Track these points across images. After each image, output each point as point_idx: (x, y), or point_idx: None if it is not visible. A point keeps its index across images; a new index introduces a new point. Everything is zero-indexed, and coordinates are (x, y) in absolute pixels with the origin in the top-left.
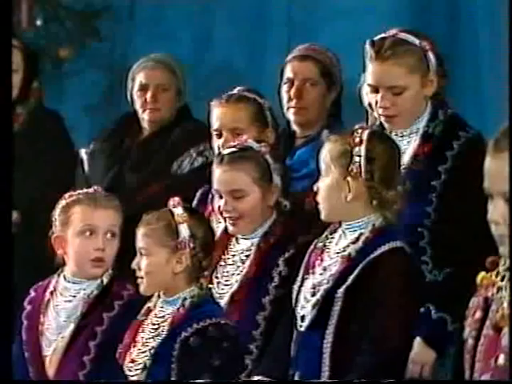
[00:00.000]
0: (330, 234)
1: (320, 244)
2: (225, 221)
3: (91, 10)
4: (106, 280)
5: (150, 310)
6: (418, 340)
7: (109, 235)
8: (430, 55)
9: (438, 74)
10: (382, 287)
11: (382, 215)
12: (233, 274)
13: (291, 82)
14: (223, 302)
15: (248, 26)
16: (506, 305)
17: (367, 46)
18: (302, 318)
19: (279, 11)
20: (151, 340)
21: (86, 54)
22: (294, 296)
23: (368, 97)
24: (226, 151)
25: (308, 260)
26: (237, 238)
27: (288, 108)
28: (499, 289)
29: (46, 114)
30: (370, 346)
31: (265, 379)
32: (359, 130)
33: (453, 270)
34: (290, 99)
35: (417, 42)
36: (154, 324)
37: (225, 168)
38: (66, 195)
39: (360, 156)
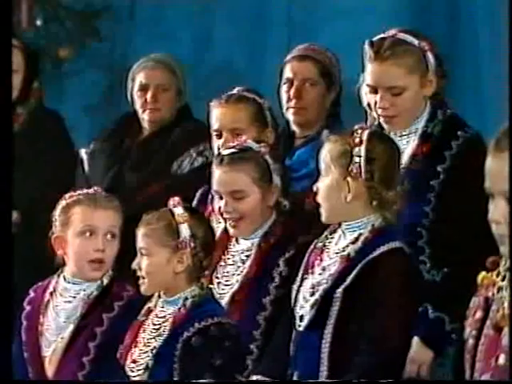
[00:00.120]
0: (330, 234)
1: (320, 244)
2: (225, 222)
3: (91, 9)
4: (105, 281)
5: (150, 311)
6: (415, 340)
7: (109, 236)
8: (429, 55)
9: (437, 74)
10: (380, 287)
11: (381, 215)
12: (233, 275)
13: (290, 82)
14: (224, 302)
15: (248, 26)
16: (506, 305)
17: (366, 47)
18: (301, 317)
19: (279, 11)
20: (152, 340)
21: (85, 54)
22: (293, 296)
23: (367, 97)
24: (225, 152)
25: (307, 260)
26: (237, 239)
27: (287, 108)
28: (500, 289)
29: (46, 114)
30: (368, 346)
31: (264, 379)
32: (359, 131)
33: (451, 270)
34: (289, 99)
35: (416, 42)
36: (155, 324)
37: (225, 169)
38: (67, 195)
39: (360, 156)
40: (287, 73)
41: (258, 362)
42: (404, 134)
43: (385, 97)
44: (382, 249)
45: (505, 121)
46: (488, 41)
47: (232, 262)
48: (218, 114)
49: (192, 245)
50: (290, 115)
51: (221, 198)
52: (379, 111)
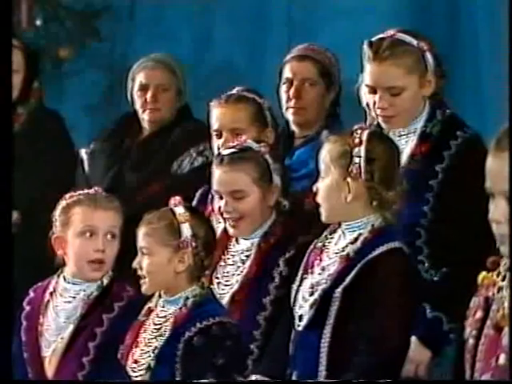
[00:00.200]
0: (330, 234)
1: (319, 244)
2: (225, 222)
3: (91, 9)
4: (105, 281)
5: (151, 310)
6: (413, 339)
7: (109, 236)
8: (428, 55)
9: (435, 74)
10: (379, 287)
11: (381, 215)
12: (233, 275)
13: (290, 82)
14: (224, 302)
15: (248, 26)
16: (506, 304)
17: (365, 47)
18: (300, 317)
19: (279, 11)
20: (154, 340)
21: (85, 54)
22: (292, 296)
23: (366, 97)
24: (225, 152)
25: (307, 260)
26: (236, 239)
27: (287, 108)
28: (500, 288)
29: (47, 114)
30: (367, 346)
31: (263, 378)
32: (358, 131)
33: (449, 270)
34: (288, 99)
35: (415, 42)
36: (156, 324)
37: (225, 169)
38: (67, 196)
39: (360, 157)
40: (287, 73)
41: (258, 362)
42: (403, 133)
43: (384, 97)
44: (382, 249)
45: (505, 121)
46: (488, 41)
47: (232, 262)
48: (217, 114)
49: (193, 244)
50: (289, 115)
51: (221, 197)
52: (378, 111)
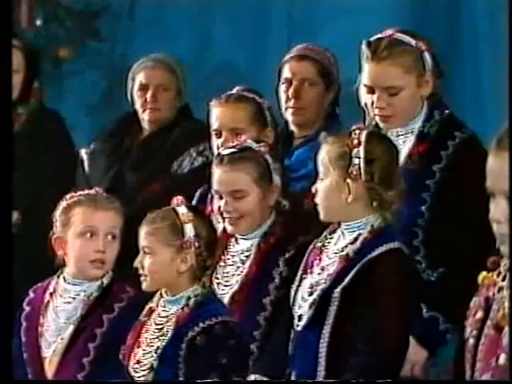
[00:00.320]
0: (329, 234)
1: (319, 244)
2: (224, 221)
3: (91, 9)
4: (106, 282)
5: (152, 310)
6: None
7: (109, 237)
8: (426, 56)
9: (434, 74)
10: (379, 288)
11: (381, 216)
12: (233, 275)
13: (289, 82)
14: (224, 302)
15: (248, 26)
16: (507, 304)
17: (363, 47)
18: (299, 317)
19: (279, 11)
20: (156, 340)
21: (85, 54)
22: (291, 295)
23: (364, 97)
24: (225, 152)
25: (306, 260)
26: (236, 239)
27: (286, 108)
28: (500, 288)
29: (47, 114)
30: (366, 346)
31: (262, 378)
32: (357, 131)
33: (446, 270)
34: (288, 99)
35: (413, 42)
36: (157, 324)
37: (225, 168)
38: (67, 196)
39: (359, 158)
40: (286, 73)
41: (258, 362)
42: (401, 133)
43: (382, 97)
44: (381, 249)
45: (505, 121)
46: (488, 41)
47: (232, 263)
48: (217, 114)
49: (196, 245)
50: (288, 115)
51: (221, 197)
52: (376, 111)
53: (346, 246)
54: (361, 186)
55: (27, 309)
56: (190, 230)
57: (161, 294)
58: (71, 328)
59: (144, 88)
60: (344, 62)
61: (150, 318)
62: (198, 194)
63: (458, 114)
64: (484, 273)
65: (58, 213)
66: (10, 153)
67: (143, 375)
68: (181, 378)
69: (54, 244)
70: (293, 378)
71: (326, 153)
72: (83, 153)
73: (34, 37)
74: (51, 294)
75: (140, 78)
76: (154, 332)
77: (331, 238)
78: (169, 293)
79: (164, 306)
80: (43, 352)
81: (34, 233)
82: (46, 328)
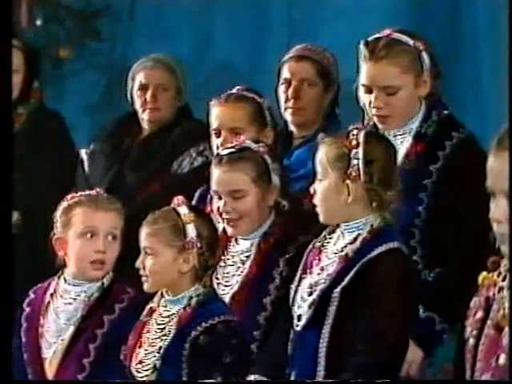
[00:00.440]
0: (329, 235)
1: (318, 244)
2: (223, 222)
3: (91, 9)
4: (106, 282)
5: (153, 310)
6: None
7: (110, 238)
8: (424, 55)
9: (431, 74)
10: (378, 288)
11: (380, 216)
12: (233, 275)
13: (288, 82)
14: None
15: (248, 26)
16: (507, 305)
17: (361, 46)
18: (299, 317)
19: (279, 11)
20: (158, 340)
21: (85, 54)
22: (291, 295)
23: (362, 97)
24: (224, 152)
25: (305, 260)
26: (236, 239)
27: (285, 108)
28: (501, 289)
29: (47, 113)
30: (365, 346)
31: (262, 378)
32: (355, 131)
33: (443, 270)
34: (287, 99)
35: (411, 42)
36: (159, 324)
37: (224, 168)
38: (68, 196)
39: (358, 159)
40: (285, 73)
41: (257, 362)
42: (398, 133)
43: (379, 96)
44: (380, 249)
45: (505, 121)
46: (488, 41)
47: (232, 263)
48: (217, 113)
49: (198, 245)
50: (288, 115)
51: (220, 197)
52: (373, 111)
53: (345, 246)
54: (360, 186)
55: (27, 309)
56: (191, 230)
57: (162, 293)
58: (72, 329)
59: (144, 88)
60: (344, 61)
61: (151, 318)
62: (197, 194)
63: (458, 113)
64: (484, 273)
65: (58, 213)
66: (10, 153)
67: (146, 375)
68: (184, 378)
69: (55, 244)
70: (292, 378)
71: (324, 154)
72: (83, 153)
73: (34, 37)
74: (51, 294)
75: (140, 77)
76: (156, 332)
77: (330, 238)
78: (170, 293)
79: (165, 306)
80: (43, 353)
81: (34, 233)
82: (47, 329)
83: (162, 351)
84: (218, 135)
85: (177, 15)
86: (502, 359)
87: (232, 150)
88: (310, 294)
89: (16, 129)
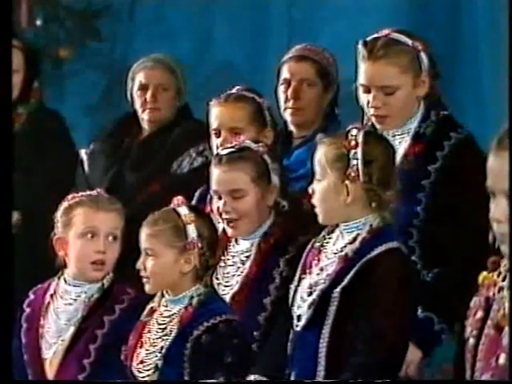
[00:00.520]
0: (328, 235)
1: (317, 244)
2: (223, 222)
3: (91, 9)
4: (106, 283)
5: (153, 310)
6: None
7: (110, 238)
8: (423, 56)
9: (430, 74)
10: (378, 287)
11: (379, 216)
12: (233, 275)
13: (288, 82)
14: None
15: (248, 26)
16: (507, 304)
17: (360, 46)
18: (299, 317)
19: (279, 11)
20: (159, 340)
21: (85, 54)
22: (290, 296)
23: (361, 97)
24: (223, 152)
25: (305, 260)
26: (236, 239)
27: (285, 109)
28: (501, 288)
29: (47, 113)
30: (365, 346)
31: (261, 378)
32: (354, 131)
33: (441, 270)
34: (286, 100)
35: (409, 42)
36: (160, 324)
37: (224, 168)
38: (69, 197)
39: (357, 159)
40: (284, 73)
41: (258, 363)
42: (397, 134)
43: (377, 96)
44: (380, 249)
45: (505, 121)
46: (488, 41)
47: (232, 263)
48: (217, 113)
49: (199, 245)
50: (287, 116)
51: (219, 197)
52: (372, 111)
53: (344, 246)
54: (359, 187)
55: (27, 310)
56: (192, 231)
57: (162, 293)
58: (72, 329)
59: (144, 88)
60: (344, 61)
61: (152, 318)
62: (197, 194)
63: (458, 114)
64: (484, 273)
65: (59, 213)
66: (10, 153)
67: (148, 375)
68: (186, 378)
69: (55, 245)
70: (292, 378)
71: (323, 154)
72: (83, 153)
73: (34, 37)
74: (52, 295)
75: (140, 77)
76: (157, 332)
77: (330, 238)
78: (171, 292)
79: (166, 306)
80: (44, 353)
81: (35, 233)
82: (47, 329)
83: (163, 351)
84: (218, 135)
85: (177, 15)
86: (502, 359)
87: (232, 149)
88: (310, 294)
89: (16, 129)
